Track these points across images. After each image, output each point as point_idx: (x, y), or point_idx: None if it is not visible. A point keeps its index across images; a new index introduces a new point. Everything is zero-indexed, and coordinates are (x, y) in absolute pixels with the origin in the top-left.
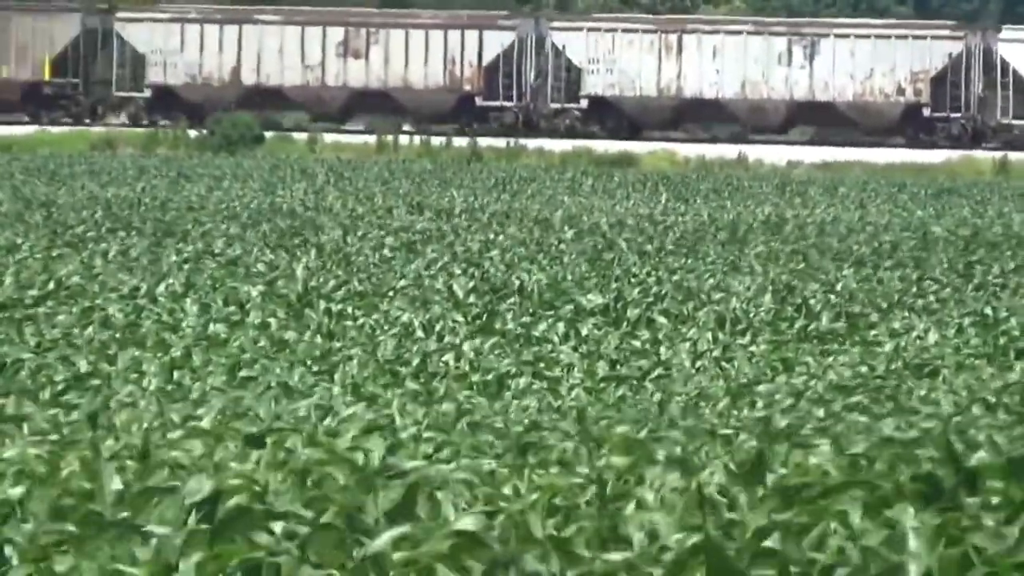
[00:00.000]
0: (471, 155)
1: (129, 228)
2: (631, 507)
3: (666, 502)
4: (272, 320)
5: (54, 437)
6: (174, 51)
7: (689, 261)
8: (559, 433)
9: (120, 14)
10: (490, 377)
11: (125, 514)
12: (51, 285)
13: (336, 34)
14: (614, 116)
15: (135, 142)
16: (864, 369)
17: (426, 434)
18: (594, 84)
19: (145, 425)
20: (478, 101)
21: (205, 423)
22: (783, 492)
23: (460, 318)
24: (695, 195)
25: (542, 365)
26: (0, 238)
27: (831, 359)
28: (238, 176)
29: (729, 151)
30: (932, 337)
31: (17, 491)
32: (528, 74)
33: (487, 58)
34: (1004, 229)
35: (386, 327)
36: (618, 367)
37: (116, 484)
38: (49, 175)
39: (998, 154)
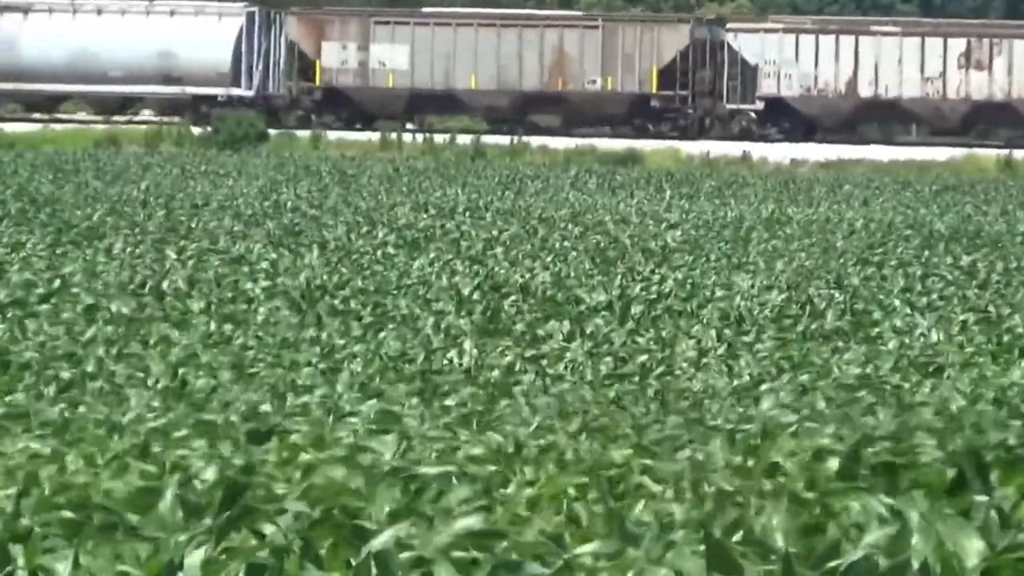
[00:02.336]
0: (474, 153)
1: (133, 225)
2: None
3: (671, 498)
4: (277, 317)
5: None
6: (788, 62)
7: (694, 259)
8: (563, 432)
9: (731, 24)
10: (495, 375)
11: (129, 512)
12: (56, 283)
13: (958, 45)
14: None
15: (139, 140)
16: (869, 367)
17: (431, 432)
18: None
19: (150, 423)
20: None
21: (210, 420)
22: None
23: (464, 315)
24: (699, 193)
25: (546, 363)
26: (4, 235)
27: (836, 357)
28: (242, 173)
29: (733, 149)
30: (935, 335)
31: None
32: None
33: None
34: (1008, 227)
35: (391, 325)
36: (623, 364)
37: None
38: (54, 172)
39: (1003, 152)
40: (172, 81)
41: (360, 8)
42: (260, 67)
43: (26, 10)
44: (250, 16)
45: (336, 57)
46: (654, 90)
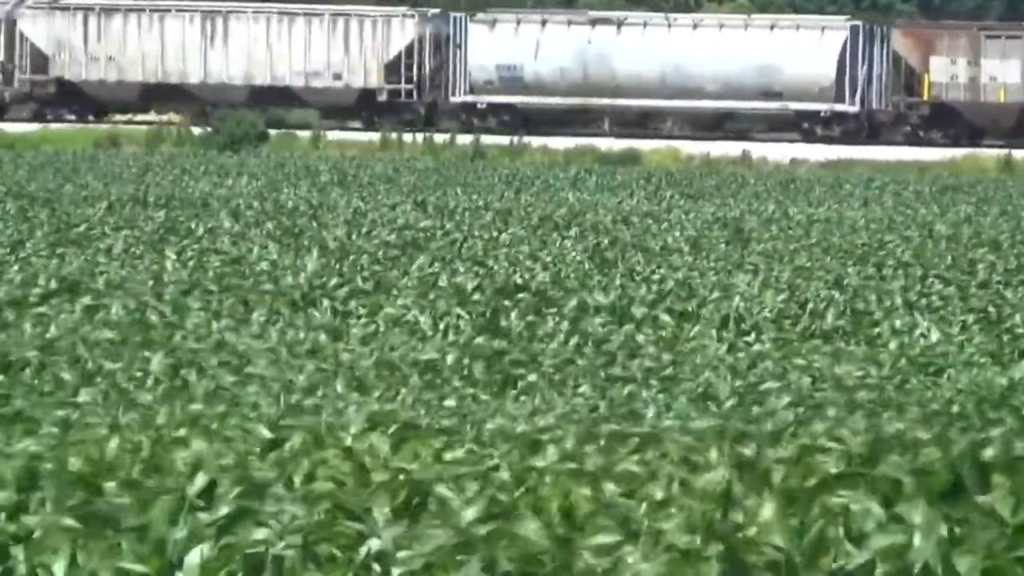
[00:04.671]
0: (474, 153)
1: (133, 225)
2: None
3: (674, 500)
4: (277, 318)
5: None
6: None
7: (694, 259)
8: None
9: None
10: (495, 375)
11: (129, 512)
12: (55, 283)
13: None
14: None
15: (139, 140)
16: (870, 367)
17: (432, 432)
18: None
19: (150, 423)
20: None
21: (210, 421)
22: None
23: (465, 316)
24: (699, 193)
25: (547, 362)
26: (3, 235)
27: (836, 357)
28: (242, 173)
29: (733, 149)
30: (935, 335)
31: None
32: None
33: None
34: (1008, 227)
35: (391, 325)
36: (623, 365)
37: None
38: (53, 172)
39: (1002, 152)
40: (771, 96)
41: (968, 23)
42: (864, 82)
43: (619, 24)
44: (854, 29)
45: (945, 72)
46: None
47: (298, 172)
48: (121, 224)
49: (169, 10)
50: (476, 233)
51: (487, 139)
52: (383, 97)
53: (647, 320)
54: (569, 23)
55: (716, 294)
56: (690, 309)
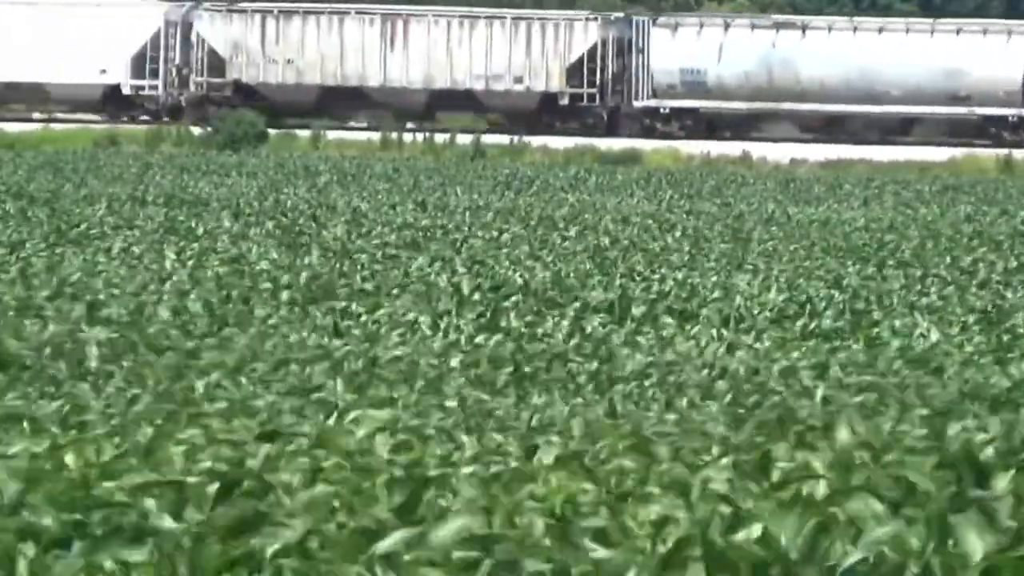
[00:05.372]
0: (474, 153)
1: (133, 225)
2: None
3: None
4: (277, 318)
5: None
6: None
7: (693, 258)
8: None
9: None
10: (496, 375)
11: (129, 512)
12: (55, 283)
13: None
14: None
15: (138, 139)
16: (870, 367)
17: (433, 432)
18: None
19: (150, 423)
20: None
21: (211, 421)
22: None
23: (465, 315)
24: (699, 193)
25: (547, 362)
26: (3, 235)
27: (836, 357)
28: (242, 173)
29: (733, 148)
30: (935, 335)
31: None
32: None
33: None
34: (1008, 227)
35: (391, 325)
36: (623, 364)
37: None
38: (53, 172)
39: (1002, 152)
40: (958, 101)
41: None
42: None
43: (804, 28)
44: None
45: None
46: None
47: (298, 172)
48: (121, 224)
49: (348, 12)
50: (476, 233)
51: (487, 139)
52: (564, 101)
53: (647, 320)
54: (752, 27)
55: (716, 294)
56: (690, 309)
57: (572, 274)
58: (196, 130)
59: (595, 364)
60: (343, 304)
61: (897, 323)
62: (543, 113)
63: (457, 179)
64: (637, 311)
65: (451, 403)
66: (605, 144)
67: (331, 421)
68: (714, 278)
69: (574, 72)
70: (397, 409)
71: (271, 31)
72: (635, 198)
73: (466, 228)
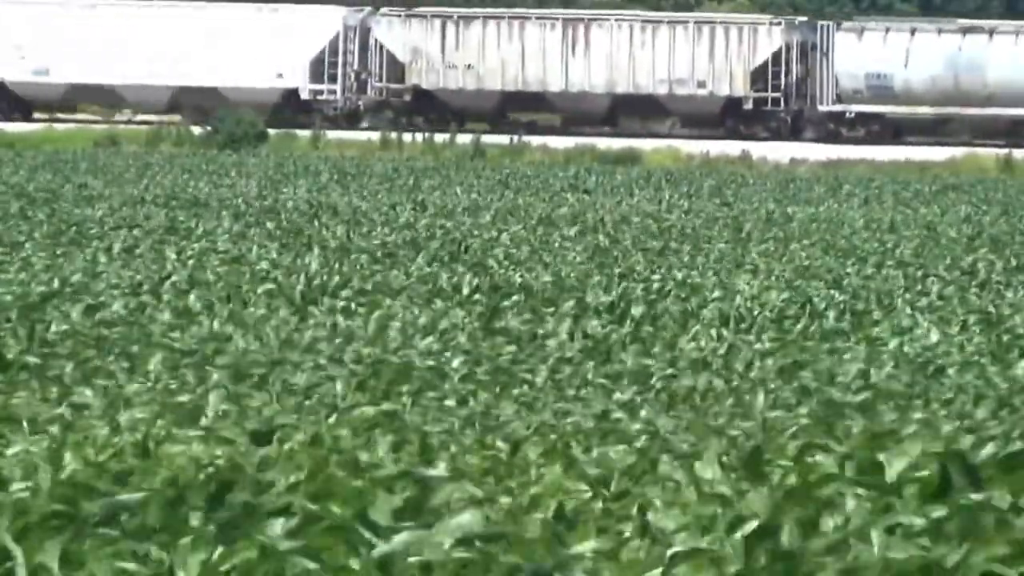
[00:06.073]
0: (474, 153)
1: (132, 225)
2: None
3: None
4: (276, 318)
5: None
6: None
7: (694, 258)
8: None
9: None
10: (496, 375)
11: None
12: (55, 282)
13: None
14: None
15: (139, 139)
16: (870, 367)
17: (433, 432)
18: None
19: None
20: None
21: (210, 420)
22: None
23: (465, 315)
24: (699, 192)
25: (547, 363)
26: (3, 236)
27: (836, 357)
28: (242, 173)
29: (732, 148)
30: (935, 335)
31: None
32: None
33: None
34: (1008, 226)
35: (391, 324)
36: (623, 365)
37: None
38: (53, 172)
39: (1002, 151)
40: None
41: None
42: None
43: (991, 32)
44: None
45: None
46: None
47: (298, 172)
48: (121, 224)
49: (529, 17)
50: (476, 233)
51: (487, 139)
52: (748, 105)
53: (647, 320)
54: (939, 31)
55: (716, 294)
56: (690, 309)
57: (572, 274)
58: (196, 130)
59: (594, 364)
60: (343, 304)
61: (899, 322)
62: (726, 117)
63: (457, 179)
64: (637, 311)
65: (450, 403)
66: (604, 143)
67: (331, 420)
68: (714, 278)
69: (758, 76)
70: (396, 409)
71: (451, 36)
72: (635, 197)
73: (465, 228)
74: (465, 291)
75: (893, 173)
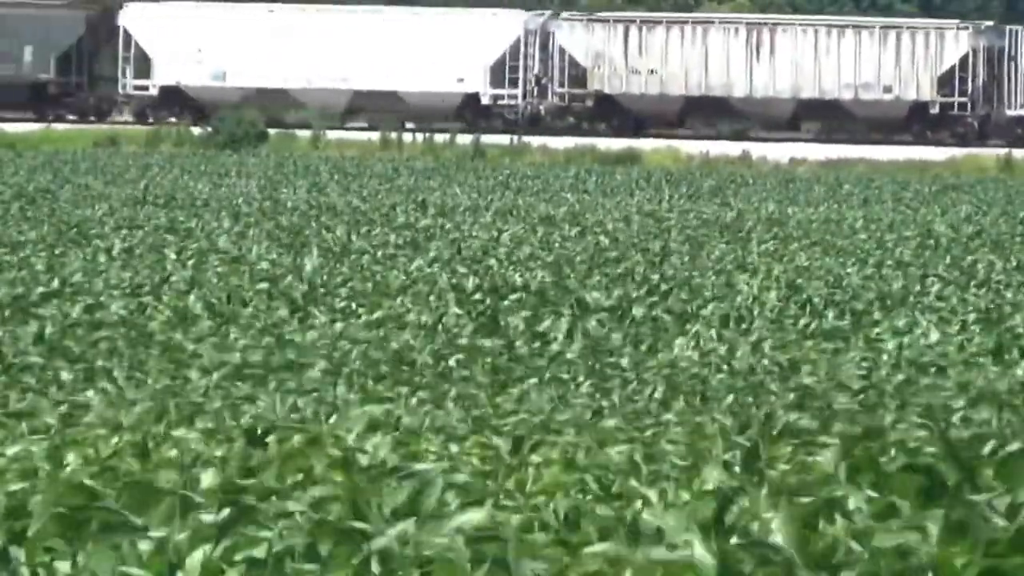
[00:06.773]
0: (474, 153)
1: (133, 225)
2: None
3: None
4: (276, 318)
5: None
6: None
7: (693, 259)
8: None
9: None
10: (496, 375)
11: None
12: (55, 282)
13: None
14: None
15: (138, 139)
16: (869, 367)
17: (432, 431)
18: None
19: (150, 423)
20: None
21: (209, 421)
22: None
23: (464, 315)
24: (699, 192)
25: (547, 362)
26: (3, 236)
27: (836, 356)
28: (242, 173)
29: (732, 148)
30: (935, 335)
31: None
32: None
33: None
34: (1008, 226)
35: (390, 324)
36: (623, 364)
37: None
38: (53, 172)
39: (1002, 151)
40: None
41: None
42: None
43: None
44: None
45: None
46: None
47: (298, 172)
48: (121, 224)
49: (712, 22)
50: (475, 233)
51: (487, 139)
52: (935, 111)
53: (647, 320)
54: None
55: (716, 294)
56: (690, 309)
57: (572, 274)
58: (196, 130)
59: (594, 364)
60: (343, 304)
61: (898, 323)
62: (912, 122)
63: (457, 179)
64: (637, 311)
65: (450, 402)
66: (604, 144)
67: (331, 420)
68: (714, 278)
69: (944, 81)
70: (397, 407)
71: (633, 41)
72: (635, 198)
73: (465, 228)
74: (467, 290)
75: (893, 173)
